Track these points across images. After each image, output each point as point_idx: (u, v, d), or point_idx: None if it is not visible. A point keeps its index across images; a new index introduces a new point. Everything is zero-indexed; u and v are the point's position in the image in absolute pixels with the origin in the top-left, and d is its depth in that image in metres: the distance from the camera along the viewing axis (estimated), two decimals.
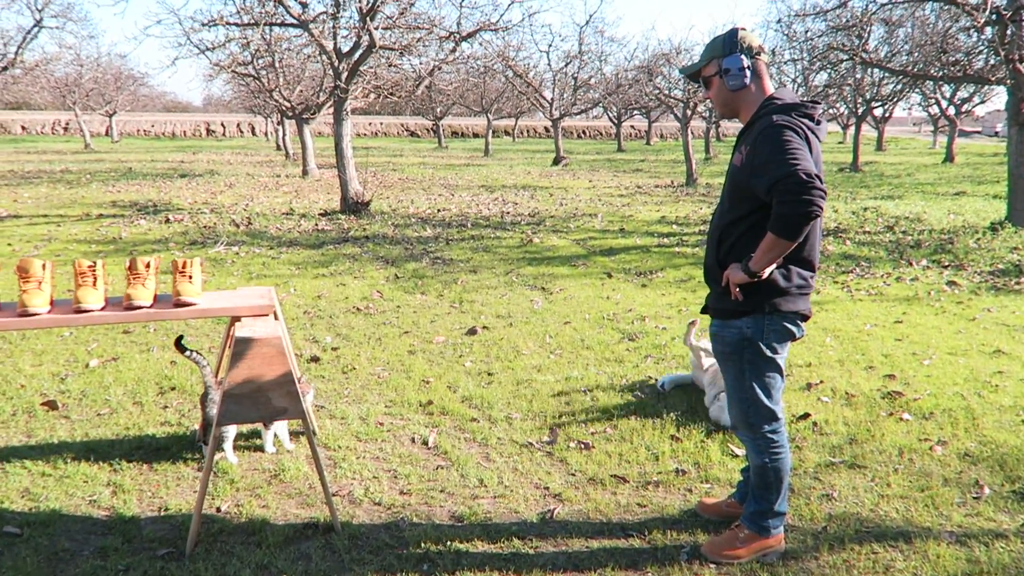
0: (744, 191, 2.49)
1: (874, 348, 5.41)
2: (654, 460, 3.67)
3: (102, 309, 2.98)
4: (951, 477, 3.47)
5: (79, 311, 2.92)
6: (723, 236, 2.60)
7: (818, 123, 2.44)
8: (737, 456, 3.70)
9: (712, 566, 2.80)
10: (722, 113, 2.67)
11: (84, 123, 36.71)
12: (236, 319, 3.18)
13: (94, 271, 3.00)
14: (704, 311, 2.82)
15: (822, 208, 2.26)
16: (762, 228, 2.45)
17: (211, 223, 11.65)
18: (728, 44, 2.55)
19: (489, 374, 4.91)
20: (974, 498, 3.28)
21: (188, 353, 3.46)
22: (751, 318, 2.57)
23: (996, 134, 56.95)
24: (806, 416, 4.13)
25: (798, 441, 3.87)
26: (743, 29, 2.54)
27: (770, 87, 2.57)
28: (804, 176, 2.24)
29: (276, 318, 3.22)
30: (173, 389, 4.56)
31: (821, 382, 4.71)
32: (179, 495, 3.31)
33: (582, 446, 3.82)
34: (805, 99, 2.49)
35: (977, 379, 4.75)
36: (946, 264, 8.56)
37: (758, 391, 2.65)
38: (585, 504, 3.26)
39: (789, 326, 2.60)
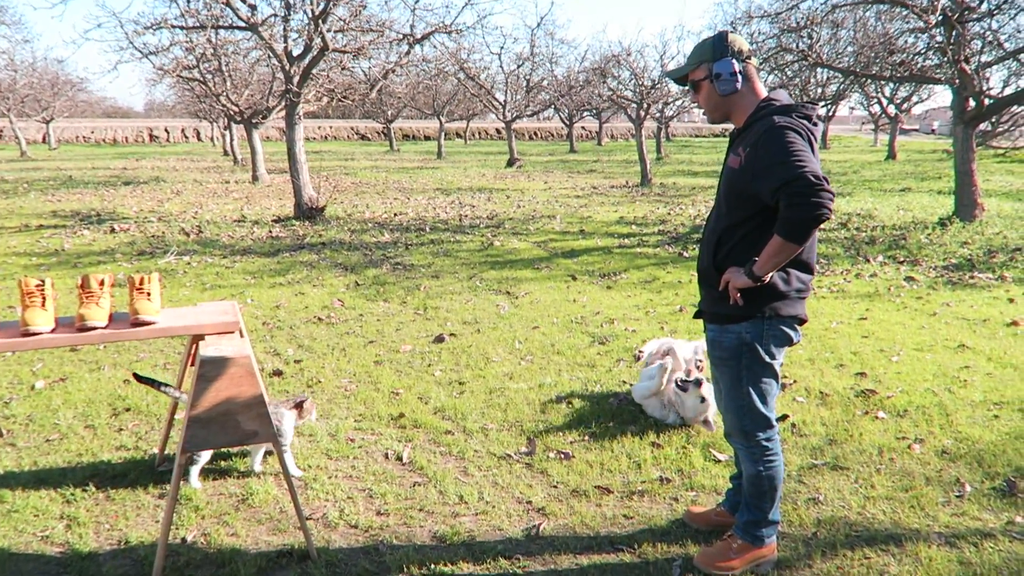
0: (743, 194, 2.42)
1: (842, 346, 5.43)
2: (636, 468, 3.59)
3: (52, 331, 2.76)
4: (932, 476, 3.47)
5: (28, 334, 2.70)
6: (721, 240, 2.52)
7: (815, 124, 2.39)
8: (720, 462, 3.64)
9: None
10: (712, 117, 2.59)
11: (19, 130, 35.27)
12: (199, 337, 3.00)
13: (42, 290, 2.79)
14: (698, 316, 2.75)
15: (831, 211, 2.21)
16: (761, 232, 2.39)
17: (159, 232, 11.24)
18: (718, 48, 2.48)
19: (460, 383, 4.78)
20: (957, 496, 3.28)
21: (160, 387, 3.29)
22: (750, 323, 2.51)
23: (932, 131, 58.99)
24: (784, 417, 4.10)
25: None
26: (732, 32, 2.48)
27: (762, 90, 2.51)
28: (813, 178, 2.18)
29: (241, 335, 3.05)
30: (128, 410, 4.32)
31: (795, 382, 4.69)
32: (140, 526, 3.10)
33: (562, 456, 3.72)
34: (804, 101, 2.43)
35: (945, 375, 4.80)
36: (901, 260, 8.71)
37: (754, 397, 2.59)
38: (570, 518, 3.16)
39: (787, 331, 2.54)
